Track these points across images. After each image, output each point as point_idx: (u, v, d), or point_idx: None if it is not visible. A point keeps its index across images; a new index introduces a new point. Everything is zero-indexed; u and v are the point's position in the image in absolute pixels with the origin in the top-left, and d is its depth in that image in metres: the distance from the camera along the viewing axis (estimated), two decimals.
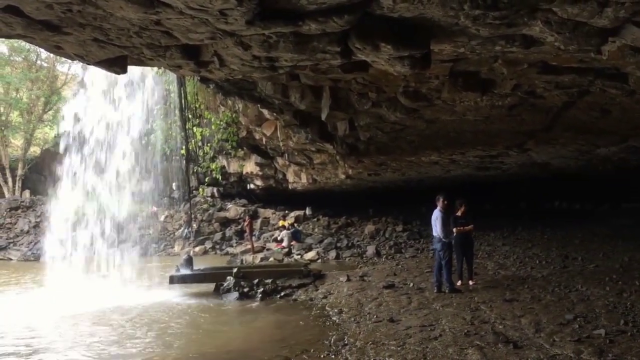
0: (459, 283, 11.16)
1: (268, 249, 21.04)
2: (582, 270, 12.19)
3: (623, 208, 24.02)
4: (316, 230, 23.39)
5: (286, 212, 25.69)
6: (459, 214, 11.31)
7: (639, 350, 6.47)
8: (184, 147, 22.33)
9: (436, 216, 10.86)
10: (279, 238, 21.83)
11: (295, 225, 22.87)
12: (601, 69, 7.18)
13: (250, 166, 24.05)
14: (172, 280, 13.50)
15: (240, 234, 24.82)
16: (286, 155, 19.26)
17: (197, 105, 21.19)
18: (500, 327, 7.94)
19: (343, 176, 17.92)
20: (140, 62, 5.86)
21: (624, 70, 7.11)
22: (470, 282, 11.24)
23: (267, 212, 26.35)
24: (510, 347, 6.84)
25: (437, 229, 10.83)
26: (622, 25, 4.70)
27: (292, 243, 20.63)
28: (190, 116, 20.96)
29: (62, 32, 4.89)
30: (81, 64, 6.15)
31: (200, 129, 23.09)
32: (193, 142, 24.04)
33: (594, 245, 16.03)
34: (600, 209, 25.05)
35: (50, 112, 38.24)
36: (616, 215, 22.14)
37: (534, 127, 11.35)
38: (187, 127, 19.81)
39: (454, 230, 10.99)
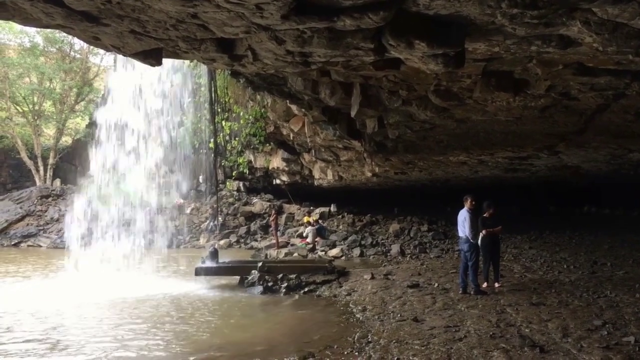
0: (484, 285, 11.05)
1: (292, 245, 21.13)
2: (611, 276, 11.97)
3: None
4: (341, 227, 23.40)
5: (311, 208, 25.75)
6: (486, 215, 11.19)
7: None
8: (212, 140, 22.52)
9: (464, 217, 10.75)
10: (303, 234, 21.90)
11: (320, 221, 22.90)
12: (638, 71, 7.03)
13: (276, 161, 24.15)
14: (198, 272, 13.66)
15: (265, 229, 24.98)
16: (313, 151, 19.27)
17: (226, 100, 21.34)
18: (526, 330, 7.85)
19: (369, 174, 17.86)
20: (175, 55, 5.92)
21: None
22: (496, 285, 11.12)
23: (292, 208, 26.46)
24: (536, 351, 6.76)
25: (464, 229, 10.72)
26: None
27: (316, 239, 20.67)
28: (219, 110, 21.11)
29: (100, 23, 4.97)
30: (114, 55, 6.25)
31: (229, 123, 23.25)
32: (221, 136, 24.23)
33: (624, 252, 15.72)
34: (631, 215, 24.57)
35: (82, 103, 38.89)
36: None
37: (566, 130, 11.15)
38: (216, 120, 19.95)
39: (483, 231, 10.88)
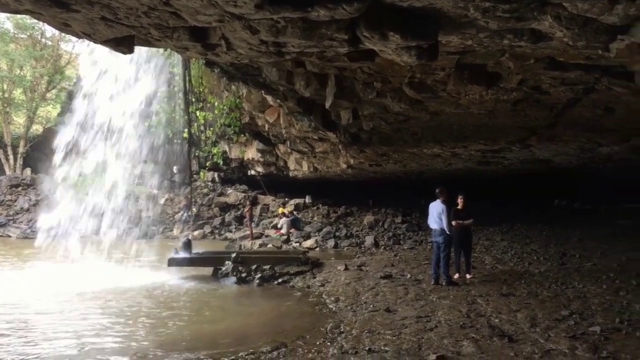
0: (456, 276, 11.20)
1: (267, 236, 21.10)
2: (580, 268, 12.23)
3: (623, 208, 24.04)
4: (315, 218, 23.45)
5: (286, 199, 25.73)
6: (459, 207, 11.32)
7: (633, 348, 6.51)
8: (186, 130, 22.29)
9: (441, 208, 10.84)
10: (278, 225, 21.88)
11: (295, 213, 22.91)
12: (608, 66, 7.16)
13: (251, 152, 24.03)
14: (171, 262, 13.57)
15: (239, 220, 24.90)
16: (288, 142, 19.23)
17: (201, 89, 21.11)
18: (496, 320, 7.98)
19: (344, 166, 17.90)
20: (147, 43, 5.84)
21: (630, 68, 7.09)
22: (468, 276, 11.28)
23: (267, 199, 26.40)
24: (505, 341, 6.89)
25: (440, 221, 10.81)
26: (632, 23, 4.67)
27: (291, 230, 20.69)
28: (193, 100, 20.89)
29: (70, 9, 4.87)
30: (86, 43, 6.14)
31: (203, 113, 23.01)
32: (195, 126, 23.99)
33: (593, 244, 16.05)
34: (600, 209, 25.09)
35: (53, 91, 38.12)
36: (615, 215, 22.16)
37: (538, 123, 11.33)
38: (190, 110, 19.73)
39: (453, 223, 11.00)
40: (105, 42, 5.64)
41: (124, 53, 5.75)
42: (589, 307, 8.55)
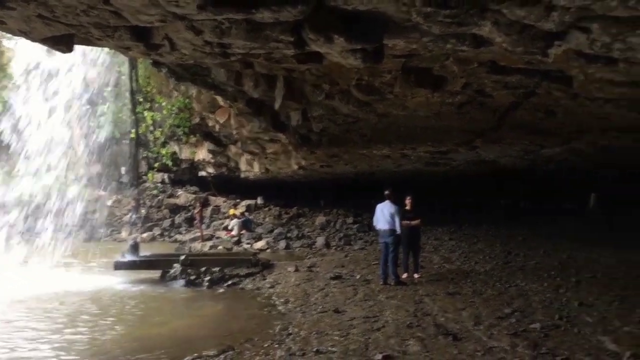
0: (404, 276, 11.34)
1: (218, 237, 20.83)
2: (523, 266, 12.59)
3: (564, 208, 24.92)
4: (267, 219, 23.32)
5: (238, 200, 25.51)
6: (407, 207, 11.48)
7: (571, 344, 6.74)
8: (133, 131, 21.86)
9: (394, 209, 10.94)
10: (229, 227, 21.67)
11: (246, 214, 22.74)
12: (547, 71, 7.41)
13: (202, 153, 23.75)
14: (117, 266, 13.23)
15: (189, 221, 24.50)
16: (239, 143, 19.11)
17: (148, 89, 20.74)
18: (441, 319, 8.13)
19: (295, 167, 17.92)
20: (87, 42, 5.70)
21: (568, 73, 7.36)
22: (416, 275, 11.44)
23: (219, 200, 26.11)
24: (449, 339, 7.01)
25: (393, 221, 10.89)
26: (567, 30, 4.86)
27: (242, 232, 20.51)
28: (141, 100, 20.50)
29: (5, 6, 4.71)
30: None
31: (152, 113, 22.63)
32: (143, 127, 23.54)
33: (536, 243, 16.57)
34: (544, 208, 25.92)
35: None
36: (558, 215, 22.96)
37: (483, 126, 11.62)
38: (137, 110, 19.36)
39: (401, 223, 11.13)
40: (43, 41, 5.48)
41: (63, 52, 5.59)
42: (530, 305, 8.81)
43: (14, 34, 5.65)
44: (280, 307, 9.72)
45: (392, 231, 10.95)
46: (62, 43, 5.44)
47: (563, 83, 7.79)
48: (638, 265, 12.01)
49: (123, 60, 19.66)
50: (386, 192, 11.26)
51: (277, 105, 10.56)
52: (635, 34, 4.70)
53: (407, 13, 4.77)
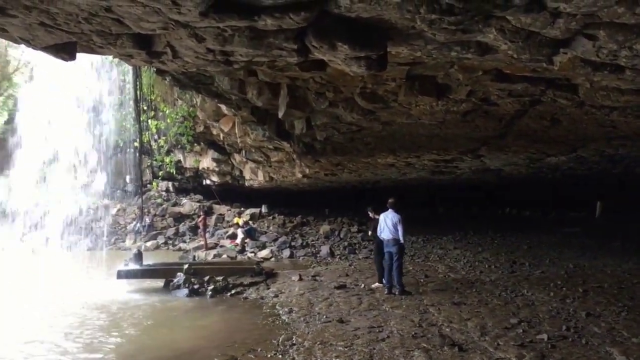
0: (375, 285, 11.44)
1: (222, 246, 20.79)
2: (529, 276, 12.48)
3: (570, 217, 24.79)
4: (271, 228, 23.26)
5: (242, 209, 25.48)
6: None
7: (579, 355, 6.65)
8: (137, 139, 21.87)
9: (397, 218, 10.88)
10: (233, 235, 21.62)
11: (250, 222, 22.68)
12: (553, 79, 7.35)
13: (206, 162, 23.75)
14: (120, 275, 13.16)
15: (194, 230, 24.47)
16: (243, 152, 19.08)
17: (152, 97, 20.76)
18: (447, 329, 8.03)
19: (300, 175, 17.86)
20: (90, 50, 5.66)
21: (574, 81, 7.31)
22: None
23: (223, 209, 26.09)
24: (455, 350, 6.93)
25: (396, 231, 10.83)
26: (573, 37, 4.80)
27: (246, 241, 20.45)
28: (145, 108, 20.52)
29: (6, 13, 4.68)
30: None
31: (156, 122, 22.66)
32: (147, 135, 23.57)
33: (541, 252, 16.47)
34: (549, 217, 25.81)
35: (0, 98, 36.80)
36: (563, 224, 22.82)
37: (487, 134, 11.54)
38: (141, 119, 19.38)
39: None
40: (45, 49, 5.44)
41: (65, 60, 5.55)
42: (537, 315, 8.71)
43: (16, 41, 5.61)
44: (284, 317, 9.63)
45: (396, 240, 10.88)
46: (65, 51, 5.40)
47: (569, 91, 7.73)
48: None
49: (127, 68, 19.73)
50: (390, 201, 11.20)
51: (281, 114, 10.50)
52: None
53: (411, 20, 4.72)
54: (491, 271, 13.32)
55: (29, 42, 5.35)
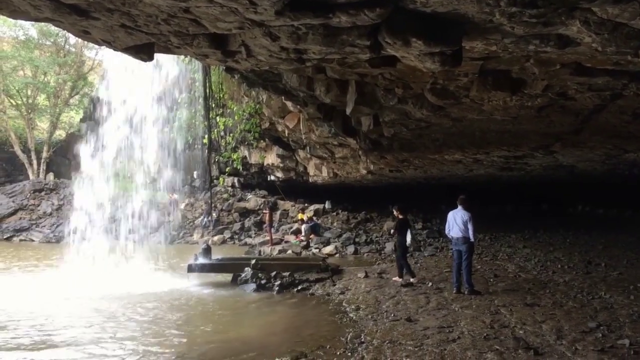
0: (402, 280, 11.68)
1: (286, 242, 21.03)
2: (606, 277, 11.94)
3: None
4: (335, 224, 23.30)
5: (305, 205, 25.66)
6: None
7: None
8: (206, 136, 22.38)
9: (467, 216, 10.65)
10: (297, 231, 21.81)
11: (314, 218, 22.80)
12: (636, 72, 6.97)
13: (271, 158, 24.03)
14: (190, 268, 13.54)
15: (259, 225, 24.87)
16: (308, 148, 19.17)
17: (221, 95, 21.18)
18: (520, 332, 7.79)
19: (364, 171, 17.78)
20: (167, 50, 5.82)
21: None
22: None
23: (287, 204, 26.36)
24: (530, 354, 6.70)
25: (466, 229, 10.60)
26: None
27: (310, 236, 20.59)
28: (213, 105, 20.97)
29: (90, 16, 4.87)
30: (108, 50, 6.14)
31: (224, 119, 23.10)
32: (216, 132, 24.10)
33: (618, 252, 15.72)
34: (624, 215, 24.62)
35: (76, 97, 38.57)
36: None
37: (563, 130, 11.11)
38: (210, 116, 19.80)
39: None
40: (126, 50, 5.63)
41: (144, 60, 5.73)
42: (616, 319, 8.31)
43: (98, 43, 5.84)
44: (351, 314, 9.62)
45: (465, 239, 10.65)
46: (143, 52, 5.58)
47: None
48: None
49: (197, 67, 20.21)
50: (460, 197, 10.98)
51: (348, 110, 10.47)
52: None
53: (489, 14, 4.58)
54: (564, 272, 12.82)
55: (110, 44, 5.55)
